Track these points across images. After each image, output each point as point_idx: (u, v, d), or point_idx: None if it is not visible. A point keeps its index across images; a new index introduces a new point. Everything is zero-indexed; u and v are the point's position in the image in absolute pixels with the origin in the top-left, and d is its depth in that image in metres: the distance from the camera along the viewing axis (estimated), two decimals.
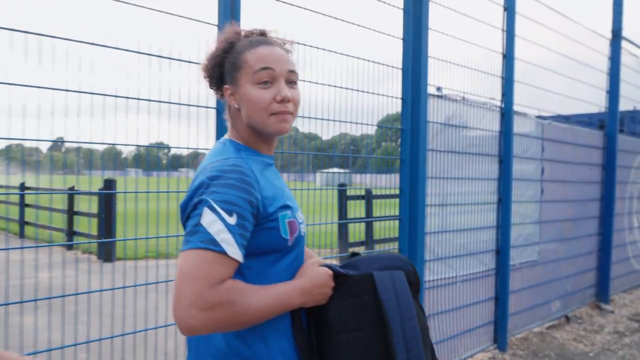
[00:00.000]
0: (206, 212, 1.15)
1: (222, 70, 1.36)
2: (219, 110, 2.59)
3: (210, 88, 1.40)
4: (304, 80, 2.88)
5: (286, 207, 1.31)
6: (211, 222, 1.14)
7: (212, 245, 1.13)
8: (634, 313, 6.16)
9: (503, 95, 4.76)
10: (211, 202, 1.16)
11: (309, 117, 3.03)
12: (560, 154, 5.68)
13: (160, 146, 2.83)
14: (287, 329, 1.29)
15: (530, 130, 5.17)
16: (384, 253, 1.41)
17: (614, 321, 5.87)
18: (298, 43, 2.37)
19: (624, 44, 6.70)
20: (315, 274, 1.30)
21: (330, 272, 1.31)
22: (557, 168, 5.65)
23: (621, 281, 7.06)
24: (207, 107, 2.59)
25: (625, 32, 6.72)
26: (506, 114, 4.75)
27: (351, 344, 1.27)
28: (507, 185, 4.73)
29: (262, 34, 1.39)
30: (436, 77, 4.09)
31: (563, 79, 6.02)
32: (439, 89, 4.12)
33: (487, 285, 4.68)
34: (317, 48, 2.99)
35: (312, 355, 1.30)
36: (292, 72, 1.34)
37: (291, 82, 1.33)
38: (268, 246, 1.26)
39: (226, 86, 1.36)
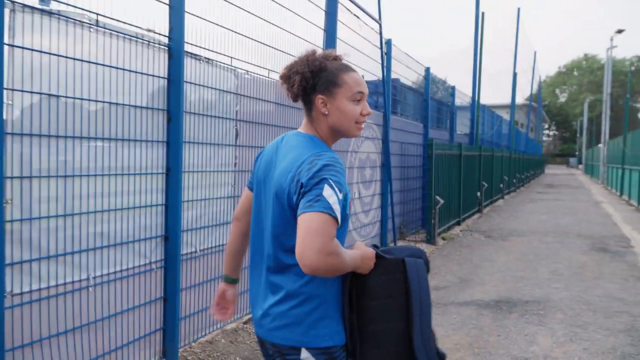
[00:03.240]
0: (326, 187, 1.50)
1: (315, 82, 1.70)
2: None
3: (295, 94, 1.73)
4: None
5: (349, 191, 1.67)
6: (330, 195, 1.49)
7: (330, 211, 1.48)
8: None
9: (171, 29, 3.53)
10: (330, 181, 1.52)
11: None
12: (262, 115, 4.73)
13: None
14: (337, 300, 1.68)
15: (217, 82, 4.06)
16: (408, 245, 1.93)
17: None
18: None
19: None
20: (367, 250, 1.69)
21: (374, 251, 1.70)
22: (261, 131, 4.70)
23: None
24: None
25: None
26: (174, 54, 3.53)
27: (382, 307, 1.67)
28: (177, 150, 3.55)
29: (337, 58, 1.76)
30: None
31: (283, 35, 5.09)
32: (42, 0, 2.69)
33: (151, 284, 3.47)
34: None
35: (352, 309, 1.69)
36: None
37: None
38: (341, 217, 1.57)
39: (320, 96, 1.70)
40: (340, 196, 1.52)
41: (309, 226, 1.45)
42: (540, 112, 49.15)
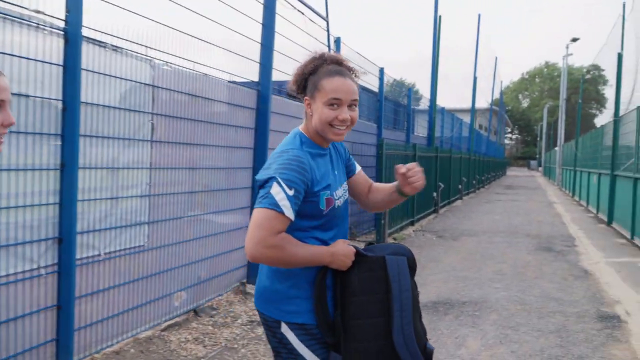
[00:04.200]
0: (275, 185, 1.64)
1: (306, 84, 1.83)
2: None
3: (298, 94, 1.87)
4: None
5: (328, 186, 1.79)
6: (277, 192, 1.63)
7: (275, 207, 1.62)
8: None
9: (67, 12, 3.15)
10: (279, 179, 1.65)
11: None
12: (188, 109, 4.37)
13: None
14: (311, 284, 1.78)
15: (128, 72, 3.69)
16: (393, 243, 1.94)
17: (253, 307, 4.89)
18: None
19: None
20: (343, 247, 1.76)
21: (354, 249, 1.78)
22: (184, 127, 4.34)
23: None
24: None
25: None
26: (71, 40, 3.15)
27: (364, 303, 1.73)
28: (73, 143, 3.17)
29: (339, 62, 1.83)
30: None
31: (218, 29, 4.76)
32: None
33: (40, 290, 3.08)
34: None
35: (322, 304, 1.76)
36: (355, 100, 1.80)
37: (352, 105, 1.79)
38: (309, 212, 1.74)
39: (306, 97, 1.83)
40: (290, 192, 1.64)
41: (254, 220, 1.63)
42: (502, 116, 49.73)
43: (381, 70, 10.10)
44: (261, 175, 1.70)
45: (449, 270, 6.89)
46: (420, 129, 15.34)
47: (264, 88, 5.48)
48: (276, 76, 6.51)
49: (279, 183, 1.63)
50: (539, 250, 8.41)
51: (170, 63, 4.15)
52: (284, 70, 6.46)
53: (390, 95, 12.42)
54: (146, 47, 3.86)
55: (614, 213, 11.43)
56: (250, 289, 5.31)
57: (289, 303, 1.76)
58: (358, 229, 9.08)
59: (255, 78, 5.50)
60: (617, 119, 11.56)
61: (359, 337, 1.71)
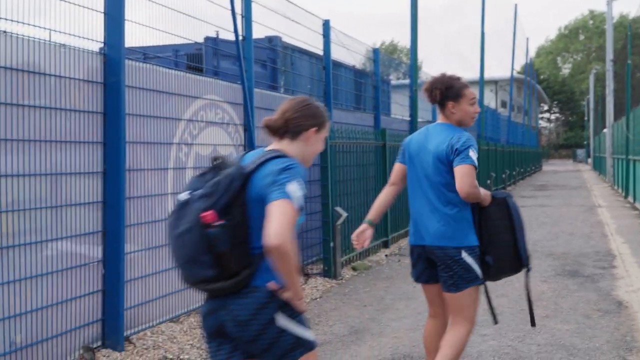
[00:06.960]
0: (472, 151, 3.79)
1: (447, 94, 4.00)
2: None
3: (435, 100, 4.07)
4: None
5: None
6: (473, 154, 3.79)
7: (474, 163, 3.79)
8: None
9: None
10: (473, 147, 3.83)
11: None
12: None
13: None
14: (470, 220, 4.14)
15: None
16: (503, 191, 4.30)
17: None
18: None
19: None
20: (487, 192, 4.02)
21: (489, 192, 4.07)
22: None
23: (169, 303, 5.95)
24: None
25: None
26: None
27: (498, 224, 3.97)
28: None
29: (458, 79, 4.07)
30: None
31: None
32: None
33: None
34: None
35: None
36: None
37: None
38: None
39: (450, 102, 3.99)
40: (475, 156, 3.75)
41: (465, 172, 3.71)
42: (534, 88, 50.18)
43: (326, 24, 9.87)
44: (459, 145, 3.76)
45: (422, 311, 6.63)
46: (402, 110, 15.23)
47: (112, 50, 5.15)
48: (148, 38, 6.22)
49: (473, 151, 3.73)
50: (561, 276, 8.27)
51: None
52: (164, 27, 6.19)
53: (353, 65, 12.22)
54: None
55: None
56: (106, 355, 4.97)
57: (467, 234, 3.88)
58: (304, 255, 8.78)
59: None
60: None
61: (497, 245, 3.90)
